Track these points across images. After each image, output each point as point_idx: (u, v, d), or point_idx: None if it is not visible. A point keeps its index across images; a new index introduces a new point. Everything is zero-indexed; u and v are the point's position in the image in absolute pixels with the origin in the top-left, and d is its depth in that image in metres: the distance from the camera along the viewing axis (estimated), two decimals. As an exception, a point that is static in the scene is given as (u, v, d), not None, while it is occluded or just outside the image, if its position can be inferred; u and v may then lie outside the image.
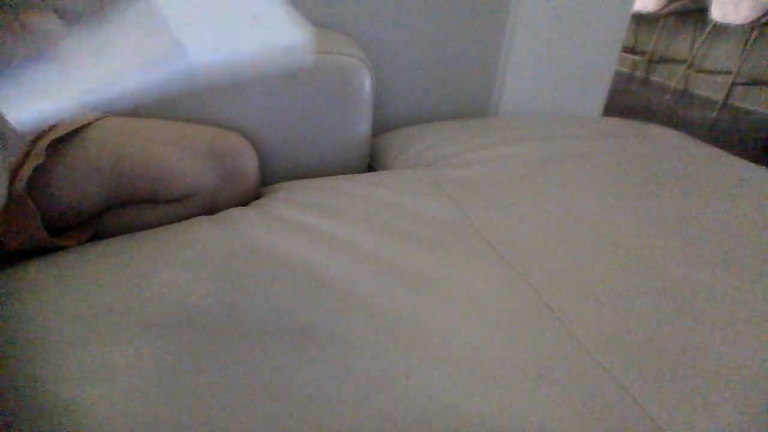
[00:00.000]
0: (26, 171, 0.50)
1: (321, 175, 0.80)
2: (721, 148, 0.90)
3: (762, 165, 0.84)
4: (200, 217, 0.59)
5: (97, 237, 0.59)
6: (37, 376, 0.35)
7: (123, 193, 0.59)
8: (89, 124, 0.58)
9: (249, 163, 0.66)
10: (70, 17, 0.25)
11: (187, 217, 0.58)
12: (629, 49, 3.86)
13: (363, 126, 0.86)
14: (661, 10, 3.32)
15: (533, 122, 1.00)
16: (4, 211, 0.48)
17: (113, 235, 0.56)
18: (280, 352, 0.39)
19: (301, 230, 0.56)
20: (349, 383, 0.37)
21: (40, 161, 0.51)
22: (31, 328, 0.40)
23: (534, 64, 1.13)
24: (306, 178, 0.76)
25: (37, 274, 0.48)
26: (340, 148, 0.86)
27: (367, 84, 0.83)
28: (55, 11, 0.24)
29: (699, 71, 3.38)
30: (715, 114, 3.00)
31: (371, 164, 0.94)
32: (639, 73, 3.92)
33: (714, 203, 0.68)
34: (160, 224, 0.58)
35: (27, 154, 0.52)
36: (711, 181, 0.75)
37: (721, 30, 3.18)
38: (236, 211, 0.60)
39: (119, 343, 0.38)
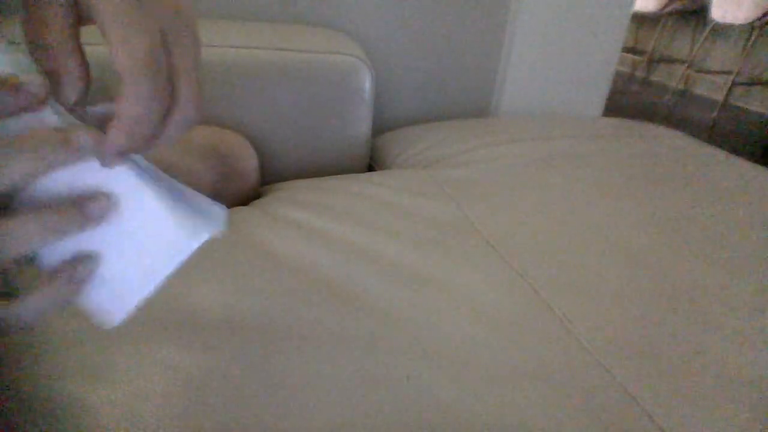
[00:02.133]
0: None
1: (321, 175, 0.80)
2: (721, 148, 0.90)
3: (762, 165, 0.84)
4: (200, 216, 0.58)
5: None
6: (37, 374, 0.35)
7: None
8: None
9: (249, 163, 0.66)
10: None
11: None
12: (629, 49, 3.86)
13: (363, 126, 0.86)
14: (661, 9, 3.32)
15: (533, 122, 1.00)
16: None
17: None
18: (279, 351, 0.39)
19: (301, 230, 0.56)
20: (349, 383, 0.37)
21: None
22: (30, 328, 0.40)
23: (534, 65, 1.13)
24: (306, 177, 0.76)
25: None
26: (340, 148, 0.86)
27: (368, 84, 0.83)
28: None
29: (699, 71, 3.38)
30: (715, 114, 3.01)
31: (371, 164, 0.94)
32: (639, 73, 3.92)
33: (714, 203, 0.68)
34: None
35: None
36: (711, 181, 0.75)
37: (722, 30, 3.18)
38: (236, 211, 0.60)
39: (121, 343, 0.38)
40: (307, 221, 0.58)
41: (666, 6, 3.28)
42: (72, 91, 0.22)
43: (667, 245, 0.58)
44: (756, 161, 0.86)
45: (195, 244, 0.23)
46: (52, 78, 0.21)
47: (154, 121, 0.21)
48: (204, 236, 0.23)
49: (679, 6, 3.26)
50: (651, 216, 0.64)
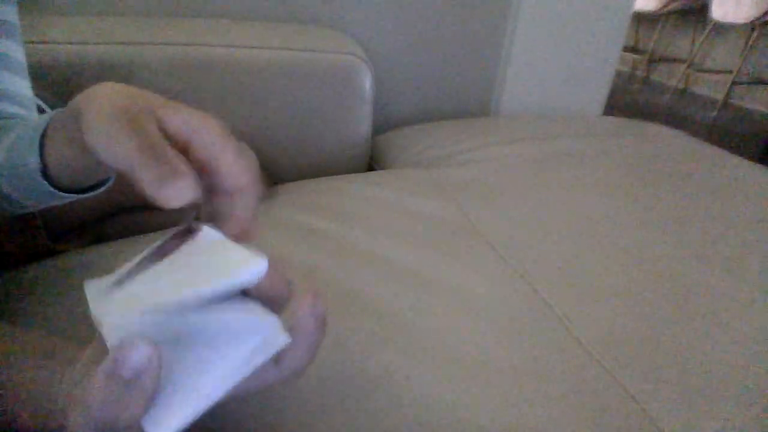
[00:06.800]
0: None
1: (322, 175, 0.80)
2: (721, 147, 0.90)
3: (762, 165, 0.84)
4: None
5: (96, 242, 0.59)
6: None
7: (123, 198, 0.59)
8: None
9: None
10: None
11: (187, 221, 0.58)
12: (630, 49, 3.86)
13: (363, 125, 0.86)
14: (661, 9, 3.32)
15: (533, 122, 1.00)
16: (6, 217, 0.48)
17: (113, 240, 0.56)
18: (280, 353, 0.39)
19: (301, 231, 0.56)
20: (349, 383, 0.37)
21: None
22: (30, 327, 0.40)
23: (534, 64, 1.13)
24: (307, 178, 0.76)
25: (37, 275, 0.48)
26: (340, 148, 0.86)
27: (368, 83, 0.83)
28: None
29: (699, 70, 3.38)
30: (715, 113, 3.00)
31: (372, 164, 0.94)
32: (639, 73, 3.92)
33: (714, 203, 0.68)
34: (161, 228, 0.58)
35: None
36: (711, 181, 0.75)
37: (722, 29, 3.18)
38: (236, 212, 0.60)
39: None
40: (307, 222, 0.58)
41: (666, 5, 3.28)
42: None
43: (667, 245, 0.58)
44: (756, 161, 0.86)
45: (270, 351, 0.22)
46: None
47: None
48: (275, 348, 0.22)
49: (680, 5, 3.26)
50: (651, 215, 0.64)
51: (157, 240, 0.24)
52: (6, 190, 0.34)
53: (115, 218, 0.61)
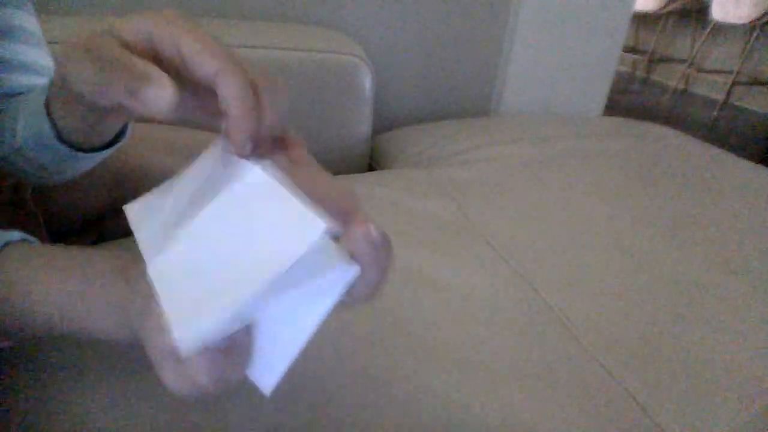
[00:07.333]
0: None
1: (321, 175, 0.80)
2: (721, 147, 0.90)
3: (762, 165, 0.84)
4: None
5: (96, 242, 0.59)
6: (36, 375, 0.35)
7: (124, 198, 0.59)
8: None
9: None
10: None
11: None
12: (630, 49, 3.86)
13: (363, 125, 0.86)
14: (661, 9, 3.32)
15: (533, 122, 1.00)
16: (8, 215, 0.48)
17: (113, 240, 0.56)
18: (280, 352, 0.39)
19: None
20: (350, 383, 0.37)
21: None
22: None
23: (534, 64, 1.13)
24: (306, 178, 0.76)
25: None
26: (340, 148, 0.86)
27: (368, 83, 0.83)
28: None
29: (699, 71, 3.38)
30: (715, 114, 3.01)
31: (371, 164, 0.94)
32: (639, 73, 3.92)
33: (714, 203, 0.68)
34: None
35: None
36: (711, 181, 0.75)
37: (722, 29, 3.18)
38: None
39: (121, 346, 0.38)
40: (307, 221, 0.58)
41: (666, 5, 3.28)
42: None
43: (667, 245, 0.58)
44: (756, 161, 0.86)
45: (342, 288, 0.21)
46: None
47: (253, 103, 0.24)
48: (352, 275, 0.21)
49: (680, 5, 3.26)
50: (651, 216, 0.64)
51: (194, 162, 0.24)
52: (38, 159, 0.35)
53: (115, 218, 0.61)
